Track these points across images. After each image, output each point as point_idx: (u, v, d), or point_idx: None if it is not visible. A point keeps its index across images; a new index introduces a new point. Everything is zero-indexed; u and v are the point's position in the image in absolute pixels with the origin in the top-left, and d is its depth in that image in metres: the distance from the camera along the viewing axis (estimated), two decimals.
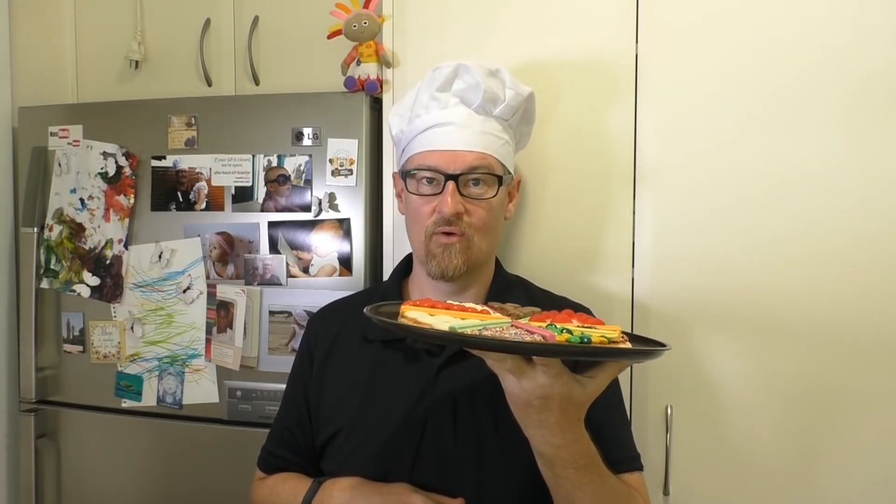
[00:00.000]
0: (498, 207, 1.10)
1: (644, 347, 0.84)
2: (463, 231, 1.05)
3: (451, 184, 1.04)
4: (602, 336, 0.76)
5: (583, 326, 0.80)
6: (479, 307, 0.88)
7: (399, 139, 1.15)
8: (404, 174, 1.11)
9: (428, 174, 1.06)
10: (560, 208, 1.37)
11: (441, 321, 0.79)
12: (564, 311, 0.88)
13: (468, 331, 0.77)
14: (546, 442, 0.82)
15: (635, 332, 1.32)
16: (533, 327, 0.79)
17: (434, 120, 1.08)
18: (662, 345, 0.83)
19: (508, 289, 1.15)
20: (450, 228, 1.04)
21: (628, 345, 0.79)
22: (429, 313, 0.82)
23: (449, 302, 0.89)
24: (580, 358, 0.83)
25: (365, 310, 0.86)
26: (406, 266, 1.19)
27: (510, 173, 1.12)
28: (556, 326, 0.78)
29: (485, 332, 0.77)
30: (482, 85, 1.06)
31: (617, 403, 1.09)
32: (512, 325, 0.81)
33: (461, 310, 0.85)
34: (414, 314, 0.81)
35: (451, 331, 0.76)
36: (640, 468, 1.06)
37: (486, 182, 1.07)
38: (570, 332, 0.76)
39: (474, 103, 1.08)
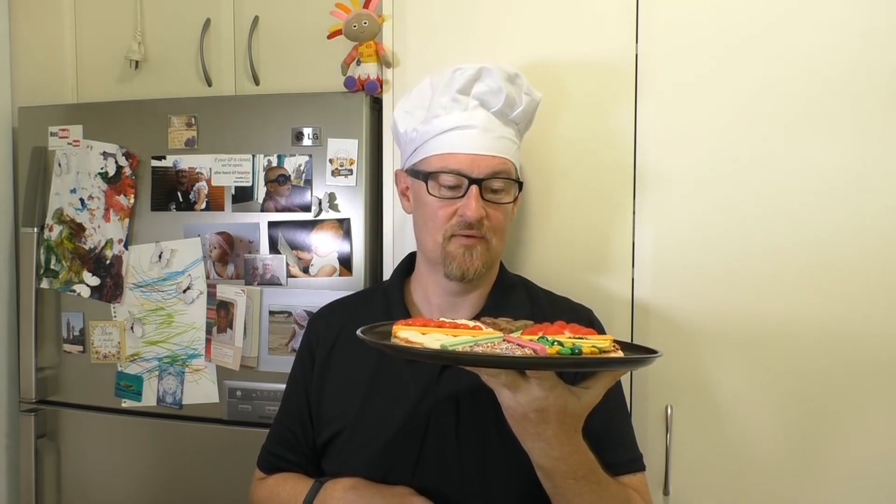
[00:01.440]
0: (510, 210, 1.11)
1: (634, 356, 0.84)
2: (483, 234, 1.05)
3: (474, 188, 1.03)
4: (593, 346, 0.77)
5: (574, 337, 0.80)
6: (471, 323, 0.89)
7: (412, 138, 1.12)
8: (423, 175, 1.08)
9: (451, 179, 1.05)
10: (564, 210, 1.37)
11: (432, 339, 0.79)
12: (557, 322, 0.88)
13: (459, 348, 0.77)
14: (544, 454, 0.83)
15: (635, 333, 1.33)
16: (524, 341, 0.79)
17: (455, 122, 1.06)
18: (654, 352, 0.83)
19: (511, 289, 1.15)
20: (471, 232, 1.04)
21: (620, 354, 0.80)
22: (420, 332, 0.82)
23: (441, 319, 0.90)
24: (570, 369, 0.83)
25: (358, 332, 0.86)
26: (408, 265, 1.19)
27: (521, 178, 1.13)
28: (546, 339, 0.78)
29: (476, 349, 0.77)
30: (504, 89, 1.06)
31: (619, 405, 1.09)
32: (504, 340, 0.82)
33: (453, 327, 0.85)
34: (406, 334, 0.81)
35: (443, 349, 0.76)
36: (641, 469, 1.06)
37: (505, 187, 1.07)
38: (560, 343, 0.76)
39: (494, 107, 1.07)
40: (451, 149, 1.06)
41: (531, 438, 0.82)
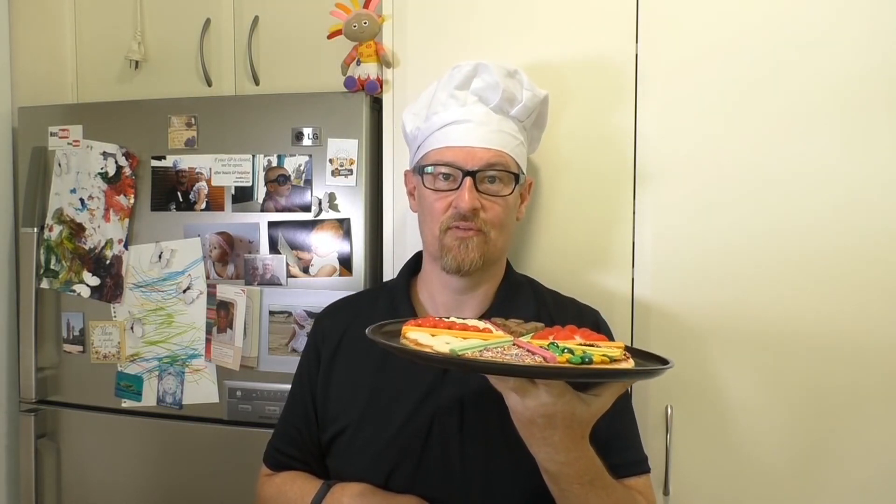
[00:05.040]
0: (513, 206, 1.11)
1: (644, 367, 0.83)
2: (479, 227, 1.05)
3: (468, 180, 1.04)
4: (604, 355, 0.76)
5: (585, 344, 0.80)
6: (481, 325, 0.88)
7: (414, 136, 1.15)
8: (420, 169, 1.10)
9: (445, 170, 1.06)
10: (564, 208, 1.37)
11: (442, 342, 0.78)
12: (567, 326, 0.88)
13: (469, 353, 0.76)
14: (550, 459, 0.82)
15: (636, 331, 1.33)
16: (534, 347, 0.78)
17: (452, 117, 1.08)
18: (665, 361, 0.83)
19: (517, 289, 1.15)
20: (465, 224, 1.04)
21: (631, 362, 0.79)
22: (430, 334, 0.81)
23: (452, 319, 0.89)
24: (581, 380, 0.82)
25: (367, 330, 0.86)
26: (415, 264, 1.19)
27: (524, 173, 1.13)
28: (557, 346, 0.77)
29: (485, 353, 0.77)
30: (501, 84, 1.07)
31: (625, 407, 1.09)
32: (514, 344, 0.81)
33: (463, 328, 0.84)
34: (415, 335, 0.81)
35: (452, 354, 0.76)
36: (646, 471, 1.06)
37: (502, 179, 1.07)
38: (571, 351, 0.75)
39: (492, 102, 1.08)
40: (446, 142, 1.07)
41: (537, 443, 0.81)
